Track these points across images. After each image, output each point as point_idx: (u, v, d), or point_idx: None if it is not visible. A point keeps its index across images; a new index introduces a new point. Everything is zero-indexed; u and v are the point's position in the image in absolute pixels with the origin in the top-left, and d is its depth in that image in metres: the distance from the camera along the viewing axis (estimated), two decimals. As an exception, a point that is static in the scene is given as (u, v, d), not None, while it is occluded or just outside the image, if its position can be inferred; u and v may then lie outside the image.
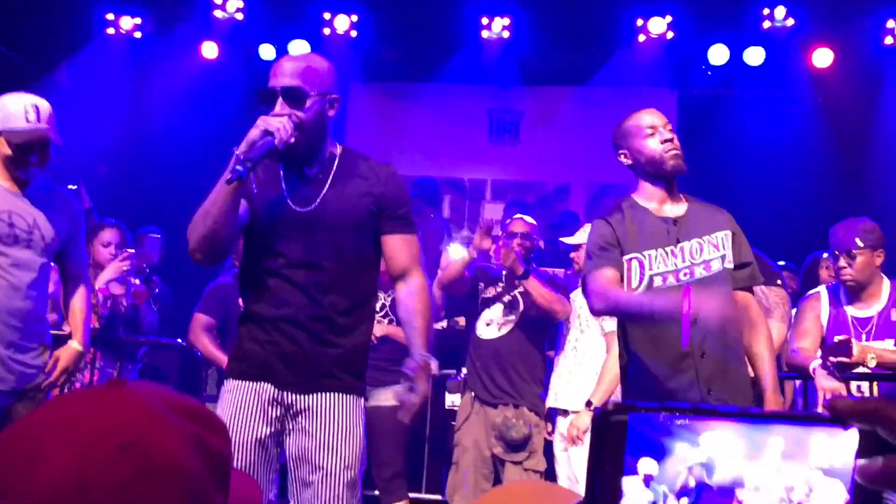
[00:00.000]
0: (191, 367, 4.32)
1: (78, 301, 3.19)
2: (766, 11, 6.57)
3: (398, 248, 2.36)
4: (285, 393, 2.27)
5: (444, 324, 5.24)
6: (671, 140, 2.76)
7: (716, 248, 2.71)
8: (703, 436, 0.55)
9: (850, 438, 0.57)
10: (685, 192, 3.56)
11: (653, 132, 2.76)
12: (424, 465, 4.91)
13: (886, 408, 0.55)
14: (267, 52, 7.12)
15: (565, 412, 4.08)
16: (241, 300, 2.48)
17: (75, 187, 4.73)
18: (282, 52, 7.04)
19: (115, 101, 7.12)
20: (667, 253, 2.69)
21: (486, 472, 4.15)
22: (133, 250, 4.21)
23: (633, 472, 0.55)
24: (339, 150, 2.40)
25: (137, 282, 4.23)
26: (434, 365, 2.34)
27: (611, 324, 4.01)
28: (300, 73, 2.26)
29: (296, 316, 2.25)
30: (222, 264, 5.13)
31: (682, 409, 0.55)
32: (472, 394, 4.23)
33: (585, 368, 4.04)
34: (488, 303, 4.30)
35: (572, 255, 4.33)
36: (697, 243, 2.71)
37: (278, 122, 2.16)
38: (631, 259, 2.68)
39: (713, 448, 0.55)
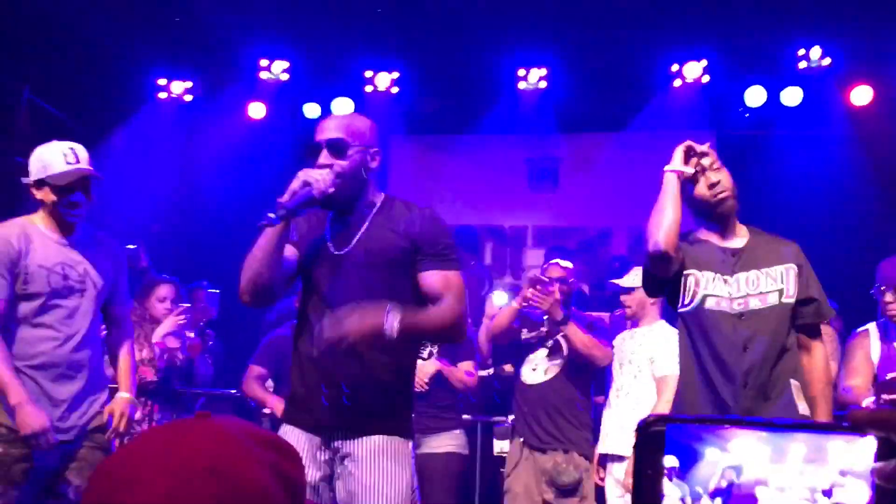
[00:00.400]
0: (245, 418, 4.41)
1: (123, 350, 3.24)
2: (801, 52, 6.59)
3: (434, 280, 2.36)
4: (333, 437, 2.33)
5: (490, 371, 5.28)
6: (718, 183, 2.79)
7: (774, 282, 2.71)
8: (732, 442, 0.62)
9: (867, 445, 0.64)
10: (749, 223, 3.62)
11: (698, 176, 2.82)
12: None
13: None
14: (311, 110, 7.34)
15: (618, 458, 4.04)
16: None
17: (134, 247, 4.93)
18: (326, 110, 7.27)
19: (166, 162, 7.38)
20: (724, 280, 2.73)
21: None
22: (188, 304, 4.35)
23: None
24: (380, 198, 2.51)
25: (192, 335, 4.37)
26: (391, 327, 2.18)
27: (662, 368, 4.00)
28: (343, 128, 2.42)
29: (335, 356, 2.29)
30: (283, 317, 5.28)
31: (712, 419, 0.63)
32: (521, 440, 4.23)
33: (638, 414, 4.02)
34: (532, 348, 4.32)
35: (623, 297, 4.31)
36: (755, 275, 2.73)
37: (318, 174, 2.31)
38: (688, 275, 2.74)
39: (741, 453, 0.62)
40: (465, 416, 4.59)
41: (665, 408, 3.91)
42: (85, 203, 3.03)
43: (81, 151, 3.03)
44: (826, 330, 3.71)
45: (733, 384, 2.61)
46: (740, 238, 2.85)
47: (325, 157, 2.38)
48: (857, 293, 4.20)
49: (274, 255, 2.29)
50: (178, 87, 7.40)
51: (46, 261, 2.95)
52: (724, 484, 0.62)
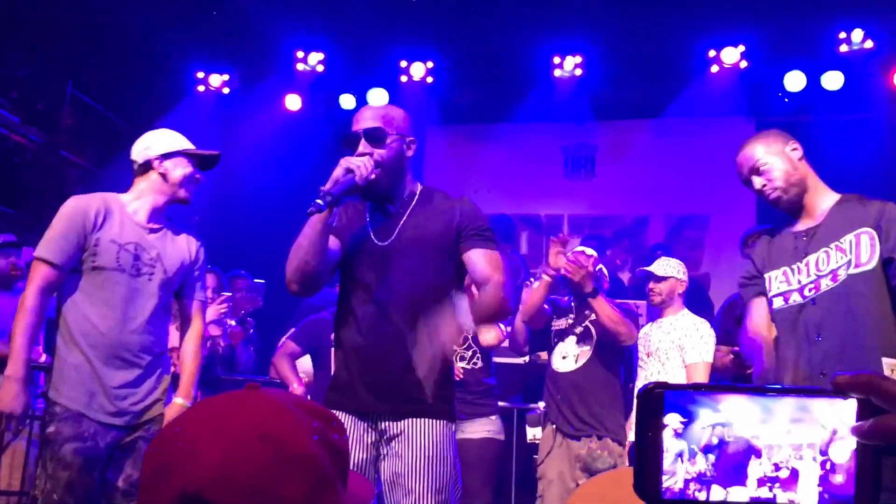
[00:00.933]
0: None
1: (188, 347, 3.19)
2: (842, 35, 6.49)
3: (477, 259, 2.42)
4: (378, 421, 2.38)
5: (525, 359, 5.30)
6: (764, 187, 2.70)
7: (843, 254, 2.51)
8: (723, 404, 0.68)
9: (849, 406, 0.71)
10: (757, 230, 3.52)
11: (748, 183, 2.74)
12: (512, 498, 4.95)
13: (877, 379, 0.70)
14: (347, 101, 7.40)
15: None
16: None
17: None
18: (361, 100, 7.32)
19: (205, 154, 7.49)
20: (792, 271, 2.61)
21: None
22: (230, 294, 4.43)
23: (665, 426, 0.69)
24: (418, 188, 2.56)
25: (233, 323, 4.45)
26: (468, 325, 2.36)
27: (692, 355, 4.00)
28: (380, 117, 2.47)
29: (381, 343, 2.37)
30: (324, 301, 5.36)
31: (706, 386, 0.72)
32: (554, 426, 4.25)
33: None
34: (561, 335, 4.32)
35: (653, 285, 4.31)
36: (824, 252, 2.55)
37: (359, 161, 2.36)
38: (766, 279, 2.67)
39: (731, 413, 0.68)
40: (501, 403, 4.62)
41: None
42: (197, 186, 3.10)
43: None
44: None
45: (810, 378, 2.44)
46: (820, 215, 2.67)
47: (363, 146, 2.42)
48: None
49: (320, 243, 2.34)
50: (216, 79, 7.51)
51: (120, 237, 2.92)
52: (714, 441, 0.69)
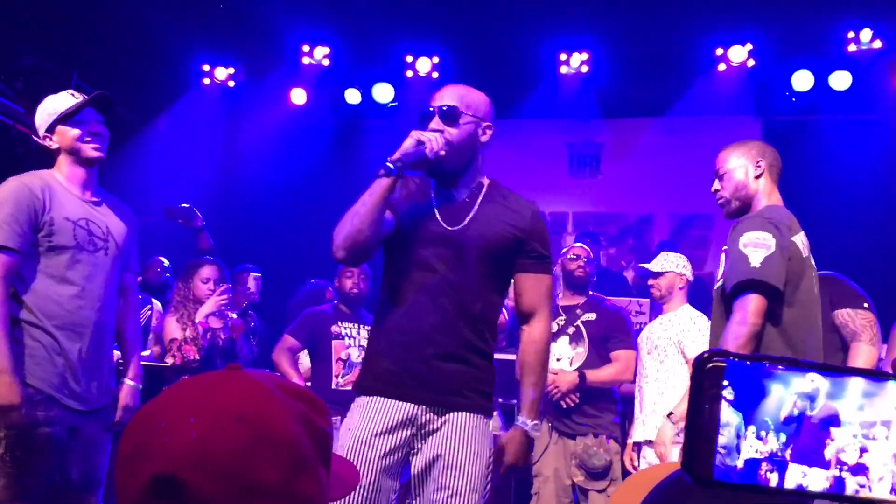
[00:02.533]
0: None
1: (130, 325, 3.10)
2: (850, 34, 6.44)
3: (531, 286, 2.40)
4: (417, 411, 2.29)
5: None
6: (713, 193, 2.94)
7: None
8: (793, 379, 0.63)
9: None
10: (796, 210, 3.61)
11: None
12: (512, 494, 4.92)
13: None
14: (352, 96, 7.39)
15: (652, 443, 4.03)
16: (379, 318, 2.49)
17: (188, 205, 5.03)
18: (367, 95, 7.31)
19: (210, 147, 7.50)
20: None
21: (567, 502, 4.16)
22: (230, 285, 4.41)
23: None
24: (487, 181, 2.50)
25: (234, 316, 4.44)
26: (532, 433, 2.38)
27: (693, 351, 3.97)
28: (457, 97, 2.42)
29: (429, 332, 2.30)
30: (311, 298, 5.34)
31: (773, 358, 0.64)
32: (549, 424, 4.23)
33: (667, 399, 3.99)
34: (553, 337, 4.30)
35: (651, 281, 4.30)
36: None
37: (430, 135, 2.31)
38: None
39: (804, 389, 0.64)
40: (500, 400, 4.60)
41: None
42: (104, 136, 2.89)
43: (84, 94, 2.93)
44: (865, 315, 3.66)
45: None
46: None
47: (436, 122, 2.37)
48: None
49: (378, 212, 2.26)
50: (221, 73, 7.50)
51: (71, 214, 2.81)
52: (795, 412, 0.64)
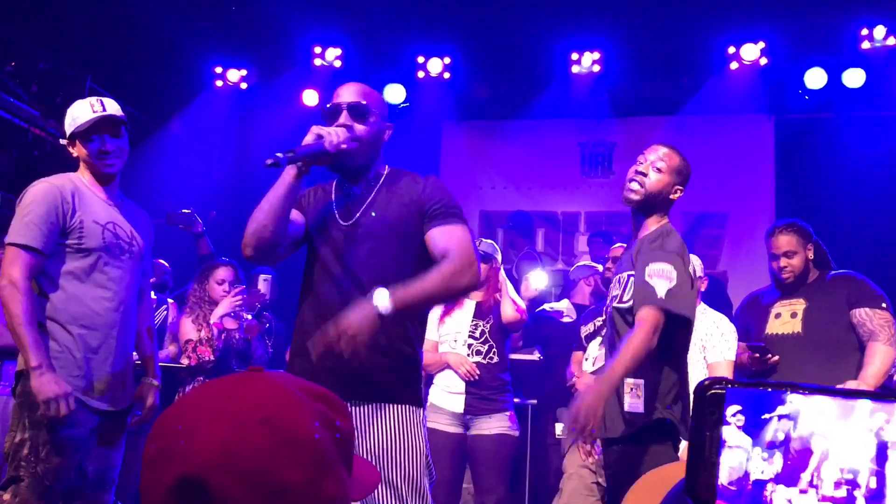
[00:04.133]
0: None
1: (146, 325, 3.13)
2: (864, 32, 6.41)
3: (437, 236, 2.34)
4: None
5: (538, 356, 5.28)
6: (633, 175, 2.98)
7: (616, 287, 2.93)
8: (792, 403, 0.63)
9: None
10: (787, 221, 3.66)
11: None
12: (526, 494, 4.93)
13: None
14: (364, 96, 7.39)
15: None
16: None
17: (189, 211, 5.05)
18: (378, 95, 7.31)
19: (223, 149, 7.54)
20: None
21: (592, 500, 4.15)
22: (244, 286, 4.43)
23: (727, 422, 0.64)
24: (386, 170, 2.51)
25: (249, 317, 4.45)
26: (382, 307, 2.10)
27: (714, 354, 3.94)
28: (364, 94, 2.44)
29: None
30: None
31: (773, 384, 0.64)
32: None
33: None
34: (589, 339, 4.34)
35: None
36: (617, 279, 2.95)
37: (331, 129, 2.33)
38: None
39: (802, 412, 0.63)
40: (515, 399, 4.61)
41: None
42: (118, 152, 2.92)
43: (110, 102, 2.93)
44: (883, 315, 3.64)
45: None
46: (637, 241, 2.95)
47: (345, 118, 2.38)
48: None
49: (281, 208, 2.29)
50: (233, 75, 7.53)
51: (100, 218, 2.87)
52: (780, 437, 0.63)
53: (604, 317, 4.29)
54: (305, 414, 0.80)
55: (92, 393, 2.80)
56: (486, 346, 4.32)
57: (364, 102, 2.41)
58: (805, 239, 3.84)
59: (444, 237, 2.34)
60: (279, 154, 2.21)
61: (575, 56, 6.96)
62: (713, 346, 3.93)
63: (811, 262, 3.85)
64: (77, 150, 2.92)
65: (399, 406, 2.32)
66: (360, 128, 2.39)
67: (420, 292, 2.21)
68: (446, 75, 7.18)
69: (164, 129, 7.48)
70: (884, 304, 3.67)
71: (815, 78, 6.66)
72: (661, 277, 2.72)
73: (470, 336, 4.28)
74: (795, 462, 0.63)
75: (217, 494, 0.75)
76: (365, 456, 2.27)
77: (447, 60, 7.16)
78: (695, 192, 7.30)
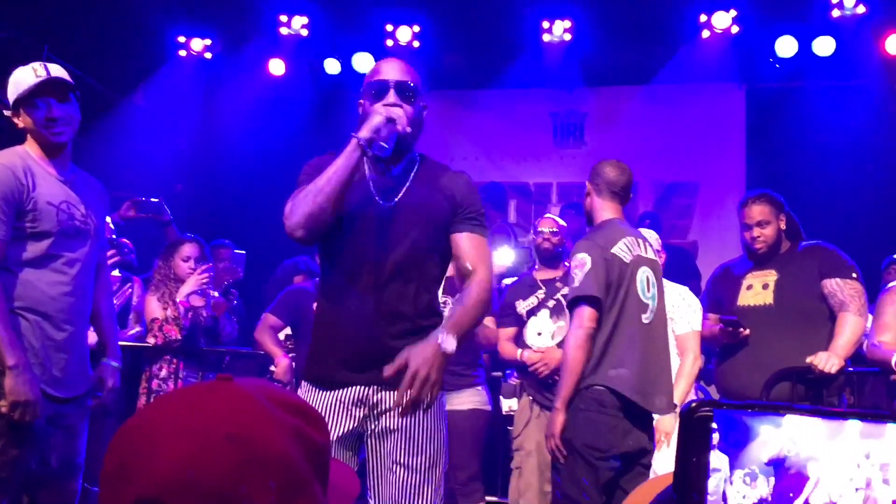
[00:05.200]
0: (271, 376, 4.45)
1: (105, 305, 3.00)
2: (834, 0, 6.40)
3: (467, 245, 2.35)
4: (368, 391, 2.26)
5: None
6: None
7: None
8: (781, 423, 0.58)
9: None
10: (759, 191, 3.67)
11: None
12: (499, 468, 4.93)
13: None
14: (332, 66, 7.27)
15: None
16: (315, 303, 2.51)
17: (157, 200, 4.92)
18: (346, 65, 7.19)
19: (187, 120, 7.37)
20: None
21: (549, 476, 4.16)
22: (211, 264, 4.34)
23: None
24: (419, 155, 2.46)
25: (217, 294, 4.37)
26: (445, 347, 2.09)
27: (682, 326, 3.95)
28: (410, 73, 2.37)
29: (373, 311, 2.25)
30: (290, 274, 5.28)
31: (760, 405, 0.59)
32: (530, 398, 4.21)
33: None
34: (533, 311, 4.26)
35: None
36: None
37: (399, 112, 2.26)
38: None
39: (792, 433, 0.58)
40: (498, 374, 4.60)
41: (694, 367, 3.85)
42: (67, 119, 2.73)
43: (54, 66, 2.74)
44: (854, 285, 3.65)
45: None
46: None
47: (393, 97, 2.31)
48: (894, 249, 4.13)
49: (344, 189, 2.22)
50: (197, 44, 7.34)
51: (53, 198, 2.70)
52: (789, 456, 0.58)
53: (544, 290, 4.27)
54: (277, 429, 0.74)
55: (48, 380, 2.68)
56: None
57: (411, 83, 2.34)
58: (777, 209, 3.83)
59: (474, 249, 2.35)
60: (384, 144, 2.20)
61: (546, 24, 6.87)
62: (680, 318, 3.94)
63: (783, 233, 3.85)
64: (22, 120, 2.73)
65: None
66: (407, 108, 2.32)
67: (468, 324, 2.26)
68: (416, 44, 7.06)
69: (127, 100, 7.29)
70: (854, 275, 3.68)
71: (786, 46, 6.64)
72: (577, 267, 3.17)
73: None
74: (784, 486, 0.59)
75: (179, 518, 0.69)
76: (390, 442, 2.25)
77: (416, 29, 7.03)
78: (666, 161, 7.36)
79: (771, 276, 3.81)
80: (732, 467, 0.58)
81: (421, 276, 2.31)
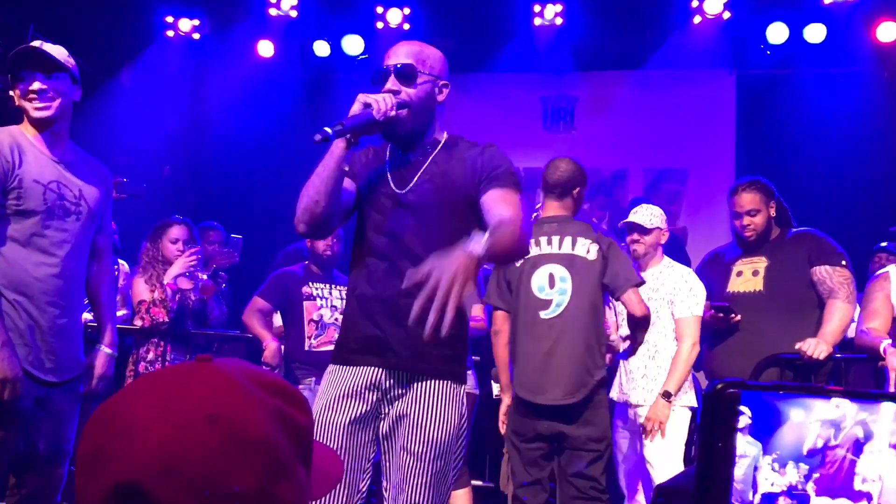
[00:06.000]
0: (258, 359, 4.43)
1: (105, 290, 2.94)
2: (827, -14, 6.38)
3: (492, 201, 2.23)
4: (383, 377, 2.25)
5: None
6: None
7: None
8: (818, 406, 0.55)
9: None
10: (750, 179, 3.69)
11: None
12: (486, 454, 4.93)
13: None
14: (321, 48, 7.19)
15: (630, 405, 3.98)
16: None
17: (145, 186, 4.86)
18: (336, 47, 7.12)
19: (175, 102, 7.29)
20: None
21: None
22: (199, 247, 4.30)
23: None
24: (444, 136, 2.41)
25: (205, 277, 4.33)
26: (479, 250, 1.89)
27: (682, 309, 3.89)
28: (413, 55, 2.32)
29: (393, 297, 2.22)
30: (292, 258, 5.24)
31: (790, 386, 0.56)
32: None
33: (660, 362, 3.89)
34: None
35: (638, 236, 4.09)
36: None
37: (378, 96, 2.21)
38: None
39: (824, 416, 0.55)
40: (476, 357, 4.58)
41: (692, 353, 3.82)
42: (51, 94, 2.65)
43: (51, 46, 2.69)
44: (843, 272, 3.65)
45: None
46: None
47: (392, 83, 2.27)
48: (886, 235, 4.14)
49: (332, 182, 2.20)
50: (185, 24, 7.25)
51: (41, 177, 2.64)
52: (819, 442, 0.56)
53: None
54: (259, 411, 0.72)
55: (35, 363, 2.64)
56: None
57: (412, 63, 2.29)
58: (768, 197, 3.83)
59: (504, 202, 2.21)
60: (327, 129, 2.10)
61: (538, 8, 6.82)
62: (681, 301, 3.90)
63: (773, 220, 3.85)
64: (16, 97, 2.69)
65: (441, 382, 2.26)
66: (408, 91, 2.27)
67: (502, 246, 2.04)
68: (406, 26, 6.99)
69: (114, 81, 7.20)
70: (843, 262, 3.69)
71: (777, 33, 6.62)
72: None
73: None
74: (823, 471, 0.56)
75: (158, 502, 0.67)
76: (401, 430, 2.23)
77: (407, 11, 6.97)
78: (656, 147, 7.35)
79: (761, 263, 3.81)
80: (763, 454, 0.55)
81: None
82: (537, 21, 6.87)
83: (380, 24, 7.01)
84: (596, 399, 3.51)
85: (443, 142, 2.39)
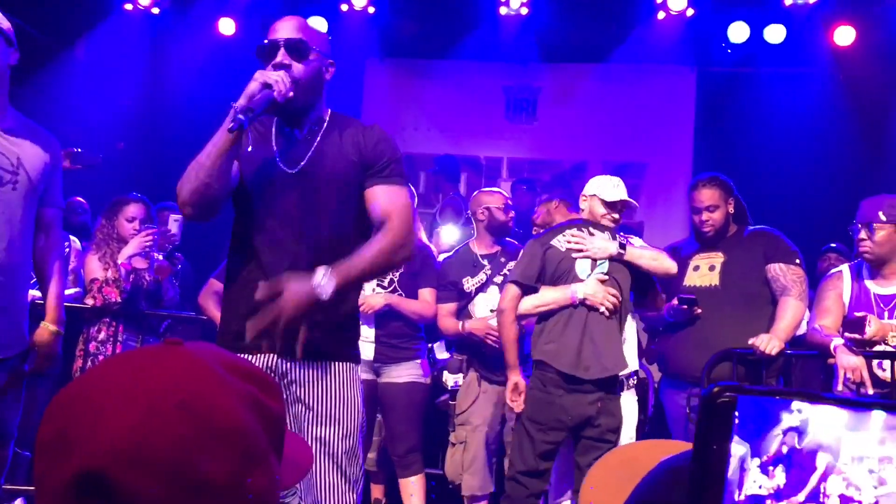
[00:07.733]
0: (212, 341, 4.36)
1: (52, 265, 2.81)
2: (788, -13, 6.47)
3: (379, 197, 2.25)
4: (276, 361, 2.21)
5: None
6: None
7: None
8: (802, 410, 0.56)
9: None
10: (709, 175, 3.75)
11: None
12: (439, 442, 4.93)
13: None
14: (284, 28, 7.07)
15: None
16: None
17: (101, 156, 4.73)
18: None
19: (132, 78, 7.12)
20: None
21: (495, 449, 4.19)
22: (155, 227, 4.20)
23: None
24: (328, 114, 2.37)
25: (160, 257, 4.25)
26: (324, 292, 2.02)
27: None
28: (303, 30, 2.28)
29: (278, 280, 2.12)
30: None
31: (783, 391, 0.57)
32: (478, 374, 4.21)
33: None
34: (482, 288, 4.22)
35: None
36: None
37: (276, 76, 2.15)
38: None
39: (812, 421, 0.56)
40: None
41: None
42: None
43: None
44: (796, 270, 3.72)
45: None
46: None
47: (282, 56, 2.21)
48: (841, 235, 4.22)
49: (226, 164, 2.13)
50: (144, -2, 7.08)
51: None
52: (784, 450, 0.56)
53: (488, 265, 4.24)
54: (230, 397, 0.70)
55: None
56: (391, 288, 4.21)
57: (303, 38, 2.24)
58: (727, 193, 3.88)
59: (387, 199, 2.25)
60: (240, 116, 2.03)
61: (504, -3, 6.82)
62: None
63: (731, 217, 3.90)
64: None
65: (336, 363, 2.25)
66: (298, 67, 2.22)
67: (360, 272, 2.16)
68: (371, 10, 6.92)
69: (69, 52, 7.01)
70: (797, 260, 3.76)
71: (738, 32, 6.72)
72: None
73: (378, 284, 4.19)
74: (798, 477, 0.57)
75: (125, 491, 0.64)
76: (303, 415, 2.21)
77: (372, -6, 6.90)
78: (615, 141, 7.40)
79: (717, 259, 3.87)
80: (751, 455, 0.56)
81: (332, 243, 2.22)
82: (503, 10, 6.86)
83: (344, 7, 6.93)
84: (619, 391, 3.64)
85: (328, 119, 2.36)
